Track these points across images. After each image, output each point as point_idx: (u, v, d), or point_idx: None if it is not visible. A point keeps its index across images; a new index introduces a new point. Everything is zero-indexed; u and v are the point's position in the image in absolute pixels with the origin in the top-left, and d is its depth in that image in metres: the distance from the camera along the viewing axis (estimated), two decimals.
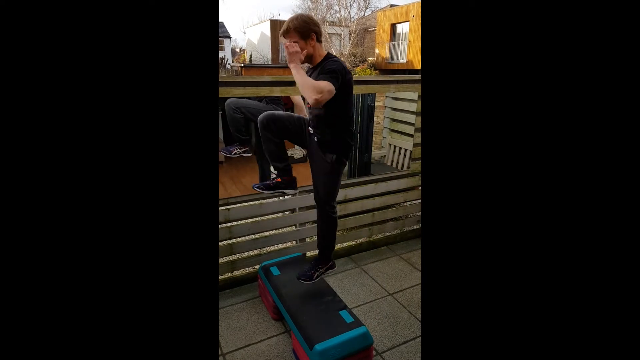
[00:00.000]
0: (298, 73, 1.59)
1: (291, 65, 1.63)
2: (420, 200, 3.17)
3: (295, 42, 1.64)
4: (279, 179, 1.99)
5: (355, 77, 1.99)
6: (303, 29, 1.64)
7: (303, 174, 2.78)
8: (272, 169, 2.79)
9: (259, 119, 1.84)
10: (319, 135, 1.82)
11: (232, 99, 2.51)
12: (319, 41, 1.70)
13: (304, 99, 2.44)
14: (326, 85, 1.53)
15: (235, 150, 2.58)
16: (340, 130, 1.79)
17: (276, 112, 1.91)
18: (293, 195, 2.08)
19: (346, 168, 2.19)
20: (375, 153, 3.70)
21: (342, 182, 2.28)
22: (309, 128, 1.89)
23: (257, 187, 1.99)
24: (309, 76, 1.67)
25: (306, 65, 1.78)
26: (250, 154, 2.45)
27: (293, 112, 2.84)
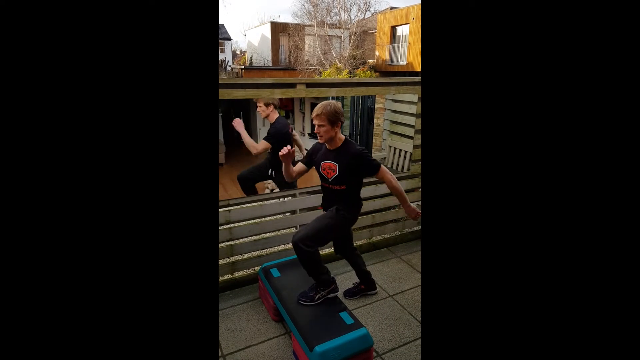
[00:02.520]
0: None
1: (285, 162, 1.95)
2: (420, 202, 3.17)
3: (322, 125, 1.88)
4: (324, 291, 2.00)
5: (355, 80, 2.04)
6: (333, 117, 1.88)
7: (303, 176, 2.78)
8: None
9: (294, 242, 1.88)
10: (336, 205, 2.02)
11: (241, 174, 2.96)
12: (341, 128, 1.98)
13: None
14: (387, 171, 1.99)
15: (268, 187, 2.99)
16: (355, 203, 2.06)
17: (307, 231, 1.92)
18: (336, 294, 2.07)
19: None
20: (376, 155, 3.70)
21: None
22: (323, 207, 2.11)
23: (303, 302, 1.97)
24: (327, 156, 1.99)
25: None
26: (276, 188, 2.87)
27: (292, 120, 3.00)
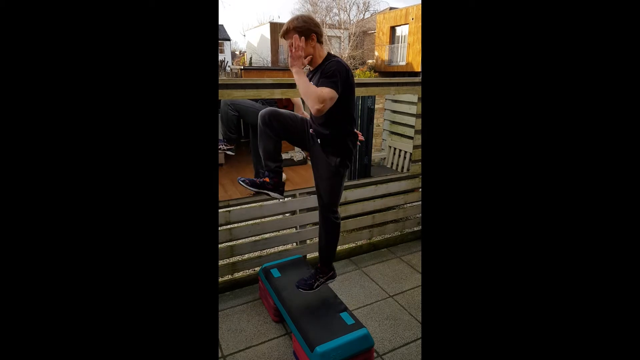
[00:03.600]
0: (300, 79, 1.57)
1: (293, 70, 1.60)
2: (420, 202, 3.17)
3: (298, 43, 1.59)
4: (266, 179, 1.89)
5: (355, 80, 2.01)
6: (303, 29, 1.60)
7: (303, 177, 2.78)
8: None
9: (260, 113, 1.76)
10: (320, 136, 1.76)
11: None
12: (320, 42, 1.65)
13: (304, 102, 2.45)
14: (328, 93, 1.51)
15: (221, 146, 2.53)
16: (342, 130, 1.74)
17: (279, 109, 1.83)
18: (278, 199, 2.00)
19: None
20: (375, 155, 3.70)
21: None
22: (311, 129, 1.83)
23: (242, 181, 1.87)
24: (310, 79, 1.66)
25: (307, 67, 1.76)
26: (233, 154, 2.49)
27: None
